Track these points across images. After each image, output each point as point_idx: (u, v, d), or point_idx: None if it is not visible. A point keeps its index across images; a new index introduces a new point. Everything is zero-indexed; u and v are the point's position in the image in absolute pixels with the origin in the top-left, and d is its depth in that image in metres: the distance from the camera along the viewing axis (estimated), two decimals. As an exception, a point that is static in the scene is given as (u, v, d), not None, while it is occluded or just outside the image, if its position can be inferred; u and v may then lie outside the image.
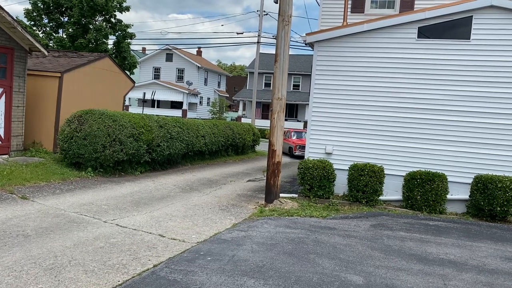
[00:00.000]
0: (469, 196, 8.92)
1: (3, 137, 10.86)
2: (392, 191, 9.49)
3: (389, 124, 9.55)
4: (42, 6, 25.57)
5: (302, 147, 19.19)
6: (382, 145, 9.60)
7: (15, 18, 10.80)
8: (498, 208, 8.36)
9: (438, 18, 9.18)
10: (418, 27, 9.34)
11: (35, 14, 25.68)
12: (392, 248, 6.32)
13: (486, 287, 5.06)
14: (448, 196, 8.99)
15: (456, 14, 9.10)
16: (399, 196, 9.39)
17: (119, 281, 4.52)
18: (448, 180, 8.89)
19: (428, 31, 9.31)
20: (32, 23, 25.79)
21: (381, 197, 9.29)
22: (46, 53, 12.14)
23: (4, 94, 10.79)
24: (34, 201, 7.57)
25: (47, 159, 11.15)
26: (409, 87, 9.42)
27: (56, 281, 4.38)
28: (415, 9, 10.90)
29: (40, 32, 26.30)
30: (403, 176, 9.20)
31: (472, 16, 9.03)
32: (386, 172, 9.17)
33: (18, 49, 11.11)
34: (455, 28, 9.17)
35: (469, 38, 9.08)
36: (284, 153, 16.78)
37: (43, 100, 12.50)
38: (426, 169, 9.01)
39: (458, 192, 9.16)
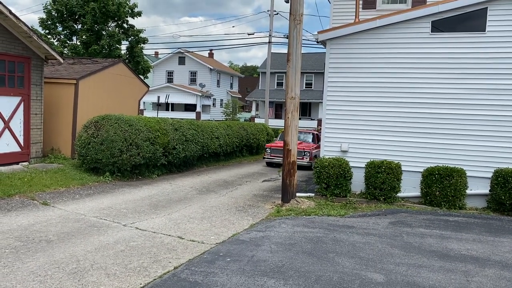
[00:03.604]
0: (489, 191, 8.77)
1: (22, 145, 11.08)
2: (410, 187, 9.39)
3: (405, 120, 9.46)
4: (56, 15, 25.98)
5: (275, 151, 15.48)
6: (399, 141, 9.50)
7: (30, 27, 11.01)
8: (520, 202, 8.22)
9: (451, 11, 9.06)
10: (432, 21, 9.22)
11: (49, 22, 26.10)
12: (412, 245, 6.26)
13: (511, 283, 4.97)
14: (468, 191, 8.86)
15: (470, 7, 8.96)
16: (417, 193, 9.29)
17: (141, 283, 4.58)
18: (467, 175, 8.76)
19: (442, 25, 9.19)
20: (47, 31, 26.23)
21: (399, 194, 9.20)
22: (61, 60, 12.35)
23: (23, 103, 11.01)
24: (55, 206, 7.71)
25: (66, 165, 11.33)
26: (424, 82, 9.31)
27: (79, 285, 4.46)
28: (427, 3, 10.77)
29: (55, 40, 26.74)
30: (421, 172, 9.09)
31: (487, 8, 8.88)
32: (403, 168, 9.08)
33: (34, 57, 11.32)
34: (469, 20, 9.03)
35: (484, 30, 8.93)
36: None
37: (60, 107, 12.71)
38: (444, 165, 8.90)
39: (478, 187, 9.02)
